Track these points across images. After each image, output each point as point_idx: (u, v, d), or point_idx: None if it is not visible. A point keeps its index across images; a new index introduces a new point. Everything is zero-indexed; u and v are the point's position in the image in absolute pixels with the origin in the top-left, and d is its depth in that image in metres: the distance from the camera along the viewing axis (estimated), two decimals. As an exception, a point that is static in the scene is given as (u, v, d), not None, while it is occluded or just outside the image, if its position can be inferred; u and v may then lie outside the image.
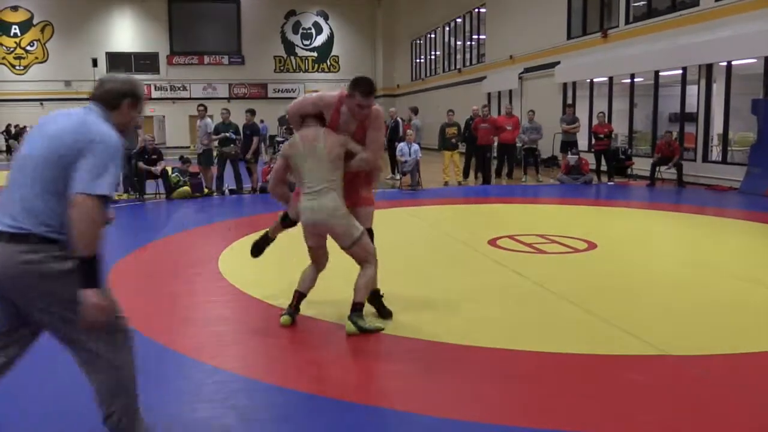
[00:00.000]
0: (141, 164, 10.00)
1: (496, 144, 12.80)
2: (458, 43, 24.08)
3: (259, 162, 11.41)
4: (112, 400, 2.10)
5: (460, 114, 13.38)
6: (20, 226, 1.96)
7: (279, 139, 21.92)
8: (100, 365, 2.10)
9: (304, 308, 3.80)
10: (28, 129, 24.93)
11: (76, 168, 1.94)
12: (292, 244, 6.19)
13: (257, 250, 3.97)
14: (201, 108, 11.13)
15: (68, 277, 1.99)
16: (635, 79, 13.71)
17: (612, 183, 11.94)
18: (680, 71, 12.26)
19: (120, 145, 2.07)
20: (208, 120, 11.01)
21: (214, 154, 11.02)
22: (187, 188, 10.25)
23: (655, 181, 11.27)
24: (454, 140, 12.14)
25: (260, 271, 4.80)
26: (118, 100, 2.13)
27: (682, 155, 11.53)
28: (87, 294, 1.96)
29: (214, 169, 11.03)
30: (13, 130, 25.94)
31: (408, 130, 11.91)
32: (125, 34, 30.50)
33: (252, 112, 11.26)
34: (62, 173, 1.96)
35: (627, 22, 13.69)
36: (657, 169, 11.24)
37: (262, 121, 14.50)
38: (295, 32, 32.37)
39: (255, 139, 10.90)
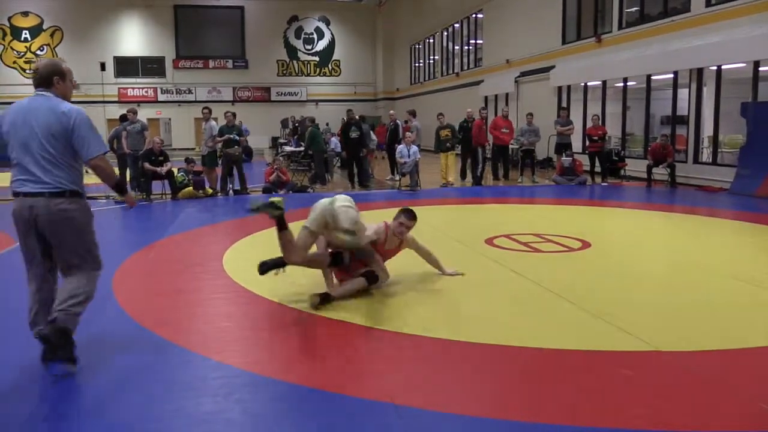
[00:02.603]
0: (147, 165, 10.22)
1: (490, 145, 13.09)
2: (456, 47, 24.27)
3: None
4: (69, 301, 3.04)
5: (458, 117, 13.63)
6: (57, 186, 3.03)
7: (282, 141, 22.22)
8: (76, 278, 3.12)
9: (308, 306, 4.00)
10: None
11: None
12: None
13: (265, 269, 4.27)
14: (206, 111, 11.34)
15: (86, 222, 3.15)
16: (628, 83, 13.94)
17: (605, 184, 12.08)
18: (672, 75, 12.46)
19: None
20: (213, 122, 11.23)
21: (218, 155, 11.30)
22: (191, 188, 10.54)
23: (651, 182, 11.48)
24: (449, 144, 12.36)
25: None
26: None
27: (675, 157, 11.76)
28: (126, 195, 3.59)
29: (219, 170, 11.32)
30: None
31: (407, 132, 12.19)
32: (132, 38, 30.87)
33: (233, 114, 11.52)
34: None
35: (620, 28, 13.92)
36: (652, 170, 11.45)
37: (241, 123, 14.57)
38: (298, 37, 32.69)
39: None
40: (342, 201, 4.15)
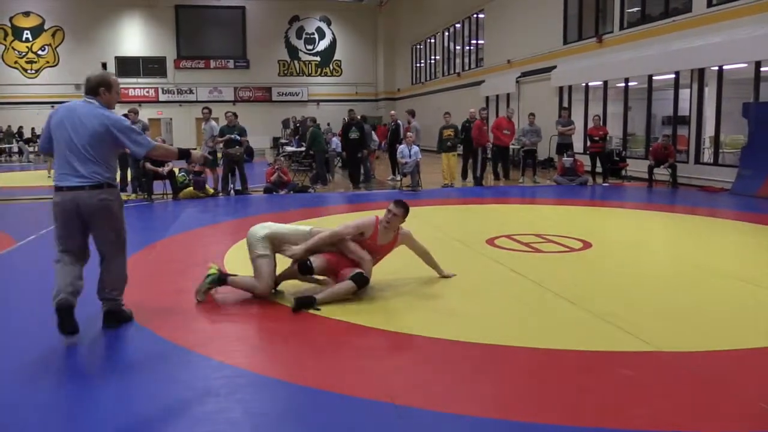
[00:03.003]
0: (148, 165, 10.22)
1: (491, 146, 13.08)
2: (457, 47, 24.29)
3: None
4: (113, 292, 3.75)
5: (460, 117, 13.63)
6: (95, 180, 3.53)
7: (283, 141, 22.25)
8: (114, 269, 3.75)
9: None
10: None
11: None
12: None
13: (300, 306, 4.04)
14: (206, 111, 11.32)
15: (119, 211, 3.67)
16: (629, 83, 13.93)
17: (607, 184, 12.08)
18: (673, 75, 12.45)
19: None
20: (213, 123, 11.24)
21: (219, 156, 11.30)
22: (192, 188, 10.55)
23: (653, 182, 11.49)
24: (450, 143, 12.36)
25: None
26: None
27: (676, 157, 11.75)
28: (193, 155, 4.19)
29: (219, 170, 11.34)
30: (26, 133, 26.30)
31: (408, 133, 12.20)
32: (134, 38, 30.92)
33: (234, 114, 11.52)
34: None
35: (621, 28, 13.92)
36: (653, 170, 11.45)
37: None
38: (299, 37, 32.73)
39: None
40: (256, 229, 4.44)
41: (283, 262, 4.44)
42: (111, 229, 3.66)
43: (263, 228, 4.38)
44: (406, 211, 4.54)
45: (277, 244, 4.34)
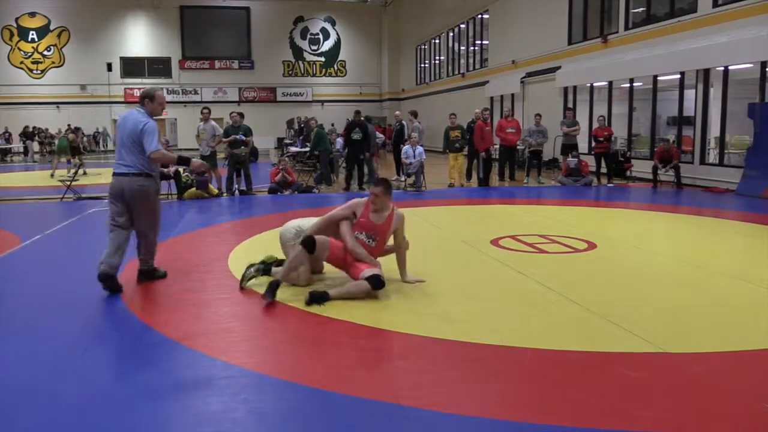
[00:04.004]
0: (154, 166, 10.30)
1: (498, 146, 13.05)
2: (462, 48, 24.29)
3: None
4: (148, 256, 4.74)
5: (464, 117, 13.62)
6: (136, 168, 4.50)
7: (287, 141, 22.30)
8: (147, 240, 4.71)
9: (313, 307, 4.03)
10: (53, 131, 25.44)
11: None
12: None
13: (313, 300, 4.14)
14: (205, 111, 11.26)
15: (156, 194, 4.63)
16: (634, 84, 13.90)
17: (611, 185, 12.05)
18: (678, 76, 12.41)
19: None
20: (213, 123, 11.22)
21: (219, 156, 11.30)
22: (195, 189, 10.58)
23: (658, 183, 11.46)
24: (458, 144, 12.32)
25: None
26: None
27: (681, 158, 11.72)
28: (193, 163, 4.84)
29: (223, 171, 11.35)
30: (35, 132, 26.41)
31: (413, 133, 12.19)
32: (139, 39, 31.05)
33: (240, 115, 11.53)
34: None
35: (626, 28, 13.89)
36: (661, 170, 11.39)
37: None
38: (303, 37, 32.79)
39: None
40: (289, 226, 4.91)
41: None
42: (146, 210, 4.60)
43: (293, 227, 4.87)
44: (387, 187, 4.56)
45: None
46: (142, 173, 4.52)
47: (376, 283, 4.22)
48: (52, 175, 15.35)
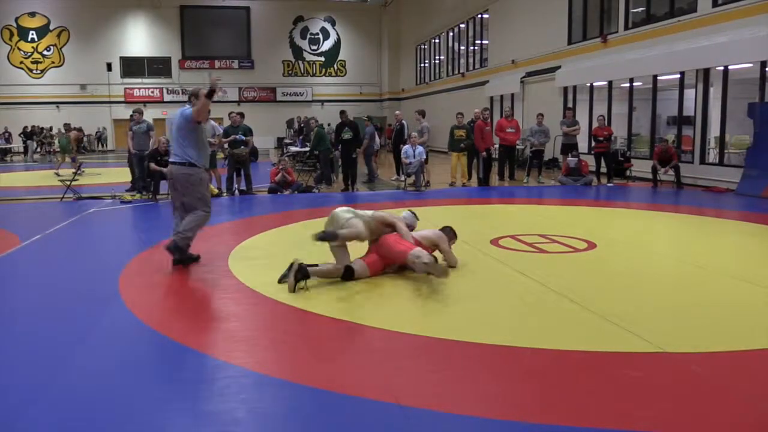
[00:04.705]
0: (153, 165, 10.24)
1: (497, 146, 13.05)
2: (462, 48, 24.28)
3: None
4: (185, 231, 5.22)
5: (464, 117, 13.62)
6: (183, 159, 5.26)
7: (287, 141, 22.30)
8: (191, 216, 5.27)
9: (314, 306, 4.04)
10: (52, 131, 25.39)
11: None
12: (298, 243, 6.50)
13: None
14: None
15: (200, 182, 5.30)
16: (634, 83, 13.90)
17: (611, 184, 12.05)
18: (678, 75, 12.41)
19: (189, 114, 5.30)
20: (213, 122, 11.21)
21: (219, 156, 11.29)
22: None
23: (657, 183, 11.46)
24: (463, 144, 12.28)
25: (269, 269, 4.93)
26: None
27: (680, 158, 11.71)
28: (213, 81, 5.15)
29: (222, 171, 11.35)
30: (37, 130, 26.34)
31: (413, 133, 12.18)
32: (139, 39, 31.05)
33: (240, 115, 11.52)
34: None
35: (626, 28, 13.89)
36: (660, 171, 11.39)
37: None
38: (303, 37, 32.79)
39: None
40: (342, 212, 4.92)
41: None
42: (193, 195, 5.32)
43: (347, 212, 4.93)
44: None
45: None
46: (186, 163, 5.26)
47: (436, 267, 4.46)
48: (57, 174, 15.44)
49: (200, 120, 5.26)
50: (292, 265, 4.48)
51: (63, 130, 18.27)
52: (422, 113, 13.46)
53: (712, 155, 11.91)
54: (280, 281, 4.58)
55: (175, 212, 5.41)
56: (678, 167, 11.30)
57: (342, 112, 12.66)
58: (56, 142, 17.92)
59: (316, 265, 4.64)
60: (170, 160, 5.43)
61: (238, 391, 2.85)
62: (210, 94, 5.10)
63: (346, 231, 4.66)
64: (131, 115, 12.24)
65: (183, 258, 5.21)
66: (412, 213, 5.49)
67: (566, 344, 3.40)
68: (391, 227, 4.93)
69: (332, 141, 12.90)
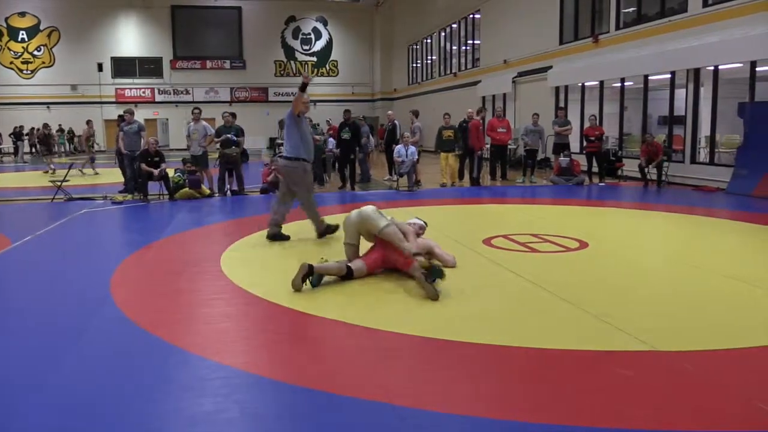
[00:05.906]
0: (144, 166, 10.21)
1: (489, 146, 13.09)
2: (454, 48, 24.33)
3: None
4: (308, 210, 6.53)
5: (456, 117, 13.64)
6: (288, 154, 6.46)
7: (279, 141, 22.24)
8: (302, 200, 6.53)
9: (307, 306, 4.04)
10: (51, 131, 25.11)
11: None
12: (291, 244, 6.50)
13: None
14: (196, 111, 11.21)
15: (303, 173, 6.45)
16: (625, 83, 13.97)
17: (603, 184, 12.10)
18: (669, 75, 12.48)
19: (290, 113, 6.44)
20: (204, 122, 11.17)
21: (211, 156, 11.24)
22: (188, 189, 10.52)
23: (648, 181, 11.52)
24: (450, 145, 12.27)
25: (261, 269, 4.93)
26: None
27: (668, 155, 11.76)
28: (305, 77, 6.23)
29: (215, 171, 11.31)
30: (32, 131, 26.07)
31: (405, 133, 12.18)
32: (130, 39, 30.89)
33: (232, 115, 11.50)
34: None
35: (617, 28, 13.97)
36: (647, 169, 11.46)
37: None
38: (295, 37, 32.75)
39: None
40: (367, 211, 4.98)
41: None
42: (298, 185, 6.37)
43: (379, 215, 4.95)
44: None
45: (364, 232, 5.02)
46: (292, 158, 6.26)
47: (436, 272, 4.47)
48: (54, 172, 15.50)
49: (297, 112, 6.20)
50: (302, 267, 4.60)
51: (63, 130, 18.28)
52: (416, 113, 13.48)
53: (703, 155, 11.98)
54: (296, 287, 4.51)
55: (281, 196, 6.49)
56: (661, 164, 11.31)
57: (346, 111, 12.60)
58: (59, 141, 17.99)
59: (326, 261, 4.76)
60: (282, 155, 6.51)
61: (230, 392, 2.85)
62: (303, 87, 6.05)
63: (406, 245, 4.78)
64: (121, 115, 12.16)
65: (281, 238, 6.33)
66: (423, 222, 5.56)
67: (559, 343, 3.40)
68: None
69: (334, 138, 12.88)
